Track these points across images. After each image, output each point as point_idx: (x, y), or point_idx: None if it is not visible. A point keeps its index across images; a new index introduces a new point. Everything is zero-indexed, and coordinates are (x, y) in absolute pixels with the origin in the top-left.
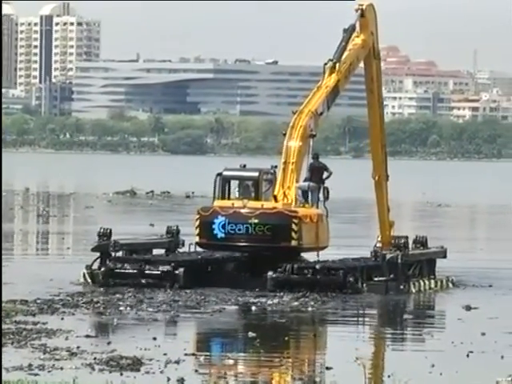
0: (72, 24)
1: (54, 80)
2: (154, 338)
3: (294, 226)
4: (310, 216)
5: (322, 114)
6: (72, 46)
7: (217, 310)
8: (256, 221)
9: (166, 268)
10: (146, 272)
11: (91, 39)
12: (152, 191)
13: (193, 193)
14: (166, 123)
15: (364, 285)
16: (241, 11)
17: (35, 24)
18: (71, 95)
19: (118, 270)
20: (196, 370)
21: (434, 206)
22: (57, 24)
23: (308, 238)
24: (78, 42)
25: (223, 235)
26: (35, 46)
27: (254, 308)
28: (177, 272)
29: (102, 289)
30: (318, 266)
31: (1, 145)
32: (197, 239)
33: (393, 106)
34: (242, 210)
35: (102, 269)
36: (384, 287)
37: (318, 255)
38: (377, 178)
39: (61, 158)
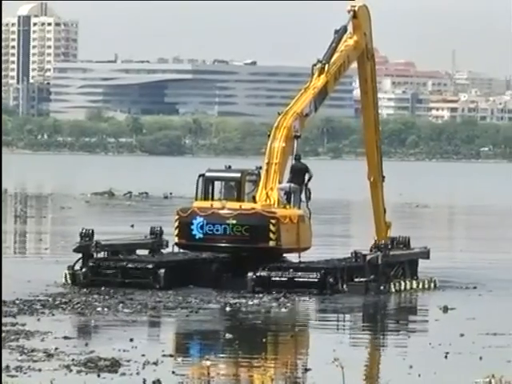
0: (50, 24)
1: (31, 80)
2: (131, 340)
3: (271, 227)
4: (290, 217)
5: (307, 115)
6: (50, 47)
7: (194, 311)
8: (234, 221)
9: (148, 269)
10: (128, 273)
11: (69, 40)
12: (130, 192)
13: (171, 194)
14: (143, 124)
15: (344, 285)
16: (218, 12)
17: (13, 24)
18: (49, 96)
19: (99, 271)
20: (173, 372)
21: (413, 206)
22: (35, 24)
23: (287, 238)
24: (56, 42)
25: (201, 236)
26: (13, 47)
27: (228, 309)
28: (158, 272)
29: (84, 290)
30: (298, 267)
31: (1, 146)
32: (176, 240)
33: None
34: (220, 211)
35: (84, 269)
36: (364, 288)
37: (299, 256)
38: (372, 179)
39: (38, 158)
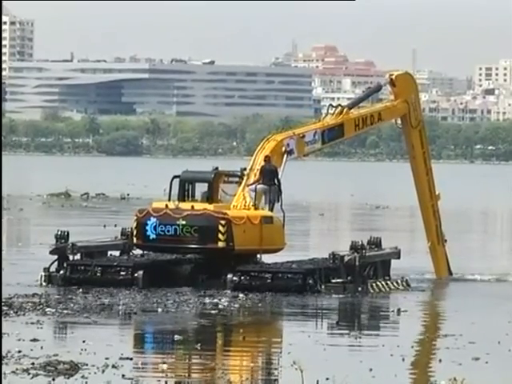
0: (5, 23)
1: None
2: (84, 341)
3: (220, 228)
4: (249, 217)
5: (304, 137)
6: (5, 46)
7: (158, 312)
8: (183, 222)
9: (126, 271)
10: (106, 274)
11: (24, 39)
12: (87, 193)
13: (128, 195)
14: (100, 124)
15: (322, 287)
16: (176, 11)
17: None
18: (4, 95)
19: (75, 274)
20: (123, 375)
21: (373, 207)
22: None
23: (243, 239)
24: (12, 41)
25: (154, 236)
26: None
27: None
28: (136, 274)
29: (56, 291)
30: (277, 269)
31: (0, 146)
32: (134, 240)
33: None
34: (172, 212)
35: (61, 271)
36: (342, 289)
37: (260, 257)
38: (429, 244)
39: None
